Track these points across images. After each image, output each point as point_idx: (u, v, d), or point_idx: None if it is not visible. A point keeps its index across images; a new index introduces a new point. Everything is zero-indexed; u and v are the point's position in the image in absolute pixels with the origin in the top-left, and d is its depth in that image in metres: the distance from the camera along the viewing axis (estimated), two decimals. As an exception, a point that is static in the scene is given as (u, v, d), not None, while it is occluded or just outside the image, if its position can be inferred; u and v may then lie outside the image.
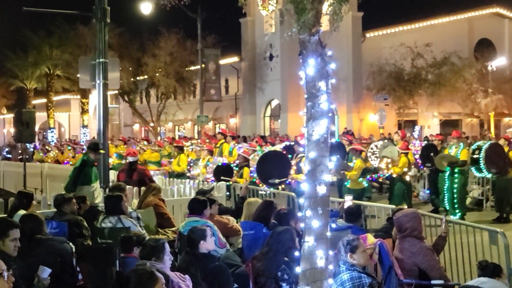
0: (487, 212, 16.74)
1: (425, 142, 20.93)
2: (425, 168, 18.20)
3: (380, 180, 18.10)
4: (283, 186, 14.56)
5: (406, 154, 16.00)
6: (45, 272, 6.15)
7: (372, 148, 17.44)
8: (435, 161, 16.04)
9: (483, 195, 17.72)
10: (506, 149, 15.81)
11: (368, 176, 16.69)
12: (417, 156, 18.00)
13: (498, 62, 42.09)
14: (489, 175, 15.84)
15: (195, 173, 16.89)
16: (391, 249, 6.97)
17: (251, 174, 14.62)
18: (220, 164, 15.30)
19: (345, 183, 14.96)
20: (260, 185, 14.11)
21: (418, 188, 19.85)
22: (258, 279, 6.44)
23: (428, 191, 18.50)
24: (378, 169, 16.76)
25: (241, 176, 14.63)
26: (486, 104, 41.45)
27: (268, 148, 17.22)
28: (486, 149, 15.00)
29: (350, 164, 14.97)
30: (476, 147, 15.54)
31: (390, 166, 15.82)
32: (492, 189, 17.06)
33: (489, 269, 5.97)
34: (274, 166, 14.29)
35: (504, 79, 43.17)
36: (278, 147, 18.07)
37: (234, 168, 15.41)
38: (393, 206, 9.74)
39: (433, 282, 6.74)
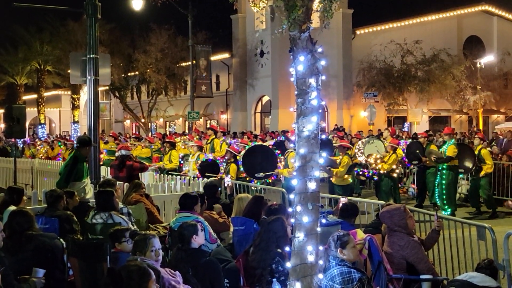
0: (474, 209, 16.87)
1: (409, 140, 20.99)
2: (411, 166, 18.31)
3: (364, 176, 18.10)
4: (270, 180, 14.64)
5: (395, 150, 16.08)
6: (39, 273, 6.24)
7: (359, 145, 17.52)
8: (428, 158, 16.20)
9: (471, 191, 17.87)
10: (479, 147, 16.03)
11: (358, 170, 16.78)
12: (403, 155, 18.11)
13: (486, 59, 42.31)
14: (460, 176, 16.22)
15: (185, 170, 16.92)
16: (380, 244, 7.04)
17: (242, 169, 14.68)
18: (204, 159, 15.32)
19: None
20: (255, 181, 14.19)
21: (407, 184, 19.95)
22: (254, 271, 6.47)
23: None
24: (366, 165, 16.84)
25: (227, 173, 14.69)
26: (474, 101, 41.66)
27: (255, 143, 17.28)
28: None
29: (337, 160, 15.06)
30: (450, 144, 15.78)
31: (378, 161, 15.91)
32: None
33: (492, 270, 6.06)
34: (261, 160, 14.37)
35: (492, 76, 43.45)
36: (269, 143, 18.13)
37: (222, 163, 15.46)
38: (383, 202, 9.82)
39: (421, 277, 6.81)
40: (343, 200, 8.91)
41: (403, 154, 17.11)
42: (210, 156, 16.24)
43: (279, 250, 6.45)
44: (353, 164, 15.63)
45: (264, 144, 16.83)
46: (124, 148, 14.54)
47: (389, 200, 14.23)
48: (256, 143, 16.66)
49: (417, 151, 16.78)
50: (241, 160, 14.32)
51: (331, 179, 15.02)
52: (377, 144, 16.71)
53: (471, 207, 16.94)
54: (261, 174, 14.16)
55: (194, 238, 6.47)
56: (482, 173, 15.75)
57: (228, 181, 12.25)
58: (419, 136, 19.76)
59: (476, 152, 15.92)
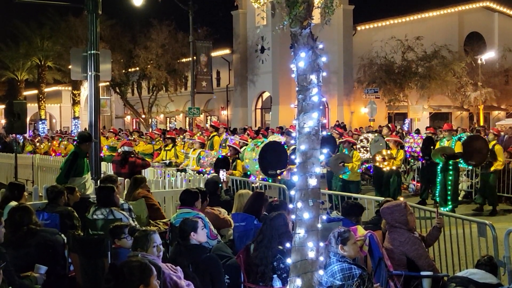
0: (476, 205, 16.84)
1: (424, 135, 20.92)
2: (424, 161, 18.22)
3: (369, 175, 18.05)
4: (279, 177, 14.65)
5: (399, 146, 16.04)
6: (41, 269, 6.30)
7: (362, 141, 17.38)
8: (432, 154, 16.12)
9: (472, 187, 17.81)
10: (493, 142, 15.91)
11: (368, 165, 16.70)
12: (418, 149, 17.98)
13: (487, 56, 42.30)
14: (469, 167, 15.91)
15: (185, 163, 16.95)
16: (381, 241, 7.04)
17: (247, 166, 14.68)
18: (219, 156, 15.37)
19: (336, 176, 14.98)
20: (258, 177, 14.17)
21: (408, 180, 19.94)
22: (256, 268, 6.49)
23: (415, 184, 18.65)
24: (370, 161, 16.78)
25: (234, 168, 14.73)
26: (475, 97, 41.69)
27: (269, 138, 17.23)
28: (464, 142, 15.13)
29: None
30: (457, 139, 15.63)
31: (387, 158, 15.80)
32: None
33: (492, 267, 6.07)
34: (273, 156, 14.36)
35: (493, 72, 43.43)
36: (280, 138, 18.02)
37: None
38: (383, 199, 9.80)
39: (422, 273, 6.81)
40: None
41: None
42: (221, 152, 16.26)
43: (280, 247, 6.47)
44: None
45: (276, 140, 16.80)
46: (127, 145, 14.54)
47: (397, 197, 14.15)
48: (268, 140, 16.61)
49: (431, 146, 16.70)
50: (257, 157, 14.28)
51: (341, 176, 14.81)
52: (381, 143, 16.68)
53: (470, 204, 16.96)
54: (277, 171, 14.17)
55: (192, 235, 6.47)
56: (492, 168, 15.64)
57: (223, 176, 12.26)
58: (426, 132, 19.66)
59: (489, 147, 15.77)
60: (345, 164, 14.47)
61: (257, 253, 6.54)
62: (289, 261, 5.69)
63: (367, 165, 17.27)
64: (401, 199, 8.33)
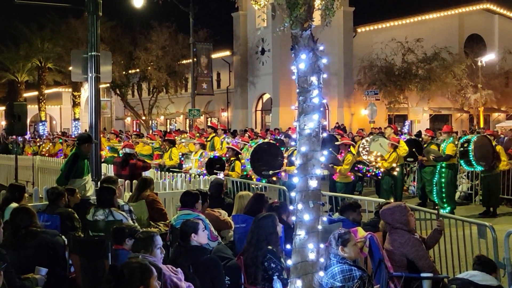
0: (476, 206, 16.84)
1: (408, 136, 20.89)
2: (415, 163, 18.22)
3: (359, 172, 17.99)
4: (275, 178, 14.65)
5: (395, 148, 15.97)
6: (42, 271, 6.34)
7: (363, 143, 17.33)
8: (425, 157, 16.11)
9: (472, 189, 17.79)
10: (493, 142, 15.87)
11: (360, 166, 16.68)
12: None
13: (487, 58, 42.27)
14: (479, 169, 15.63)
15: (187, 166, 16.92)
16: (381, 242, 7.05)
17: (243, 167, 14.68)
18: (212, 156, 15.34)
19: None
20: (253, 177, 14.19)
21: (408, 182, 19.93)
22: (248, 270, 6.51)
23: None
24: (368, 163, 16.74)
25: (232, 170, 14.71)
26: (475, 99, 41.72)
27: (262, 140, 17.25)
28: (475, 141, 14.97)
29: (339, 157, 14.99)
30: (464, 140, 15.50)
31: (379, 159, 15.82)
32: (480, 184, 17.10)
33: (486, 265, 6.07)
34: (268, 157, 14.37)
35: (493, 74, 43.45)
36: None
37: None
38: (382, 200, 9.82)
39: (422, 274, 6.82)
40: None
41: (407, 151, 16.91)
42: (216, 153, 16.24)
43: (270, 247, 6.49)
44: (355, 162, 15.51)
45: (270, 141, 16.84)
46: (128, 147, 14.52)
47: (389, 198, 14.16)
48: (263, 141, 16.63)
49: (413, 149, 16.68)
50: (249, 158, 14.31)
51: (333, 177, 14.89)
52: (381, 142, 16.64)
53: (470, 205, 16.92)
54: (270, 172, 14.17)
55: (193, 236, 6.47)
56: (498, 170, 15.60)
57: (221, 178, 12.28)
58: (423, 134, 19.64)
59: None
60: (334, 166, 14.48)
61: (247, 253, 6.57)
62: (289, 262, 5.70)
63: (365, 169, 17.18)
64: (392, 200, 8.36)
